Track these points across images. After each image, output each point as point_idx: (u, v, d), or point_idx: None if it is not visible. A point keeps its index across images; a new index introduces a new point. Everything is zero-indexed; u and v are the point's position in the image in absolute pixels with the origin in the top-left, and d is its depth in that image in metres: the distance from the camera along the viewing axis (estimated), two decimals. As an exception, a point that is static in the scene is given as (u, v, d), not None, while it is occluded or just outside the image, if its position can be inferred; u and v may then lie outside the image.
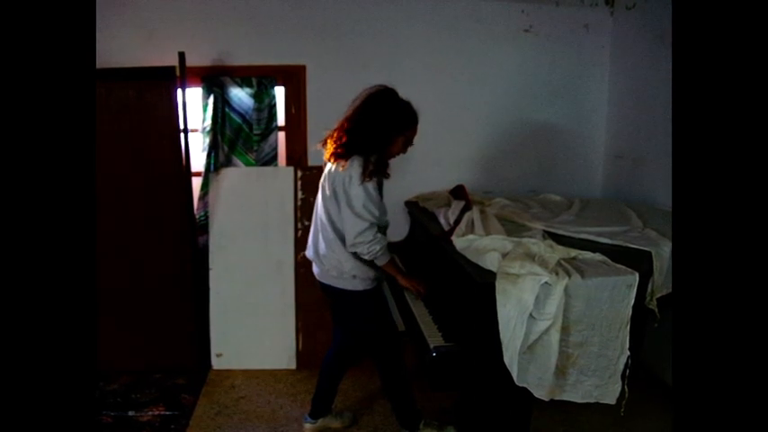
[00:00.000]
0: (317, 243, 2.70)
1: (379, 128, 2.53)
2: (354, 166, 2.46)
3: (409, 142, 2.65)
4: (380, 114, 2.53)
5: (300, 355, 3.82)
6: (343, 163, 2.49)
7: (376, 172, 2.50)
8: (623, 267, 2.19)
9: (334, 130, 2.58)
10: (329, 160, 2.60)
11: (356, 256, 2.56)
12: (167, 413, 3.31)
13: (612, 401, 2.19)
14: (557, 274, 2.12)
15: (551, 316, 2.08)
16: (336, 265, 2.63)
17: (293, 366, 3.82)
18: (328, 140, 2.59)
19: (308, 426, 3.10)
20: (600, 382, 2.19)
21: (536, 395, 2.16)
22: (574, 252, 2.32)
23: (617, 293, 2.13)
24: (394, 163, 2.80)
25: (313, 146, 2.75)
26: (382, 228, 2.58)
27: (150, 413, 3.30)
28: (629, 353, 2.15)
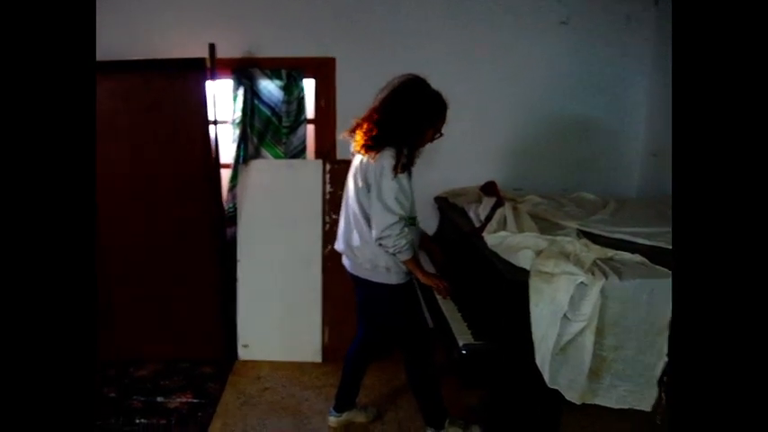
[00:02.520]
0: (350, 236, 2.63)
1: (411, 119, 2.44)
2: (387, 158, 2.38)
3: (438, 132, 2.56)
4: (411, 105, 2.43)
5: (326, 349, 3.78)
6: (373, 155, 2.41)
7: (408, 164, 2.43)
8: (663, 269, 2.09)
9: (363, 119, 2.50)
10: (359, 152, 2.52)
11: (381, 246, 2.50)
12: (194, 401, 3.35)
13: (648, 408, 2.12)
14: (593, 274, 2.04)
15: (586, 317, 2.01)
16: (371, 258, 2.56)
17: (318, 359, 3.78)
18: (358, 131, 2.51)
19: (332, 419, 3.07)
20: (635, 388, 2.11)
21: (567, 398, 2.10)
22: (611, 252, 2.23)
23: (656, 296, 2.04)
24: (423, 158, 2.72)
25: (341, 139, 2.67)
26: (413, 219, 2.51)
27: (178, 400, 3.35)
28: (667, 358, 2.05)
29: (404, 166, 2.39)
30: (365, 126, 2.46)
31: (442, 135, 2.58)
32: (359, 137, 2.48)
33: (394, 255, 2.50)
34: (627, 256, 2.20)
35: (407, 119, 2.42)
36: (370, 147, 2.43)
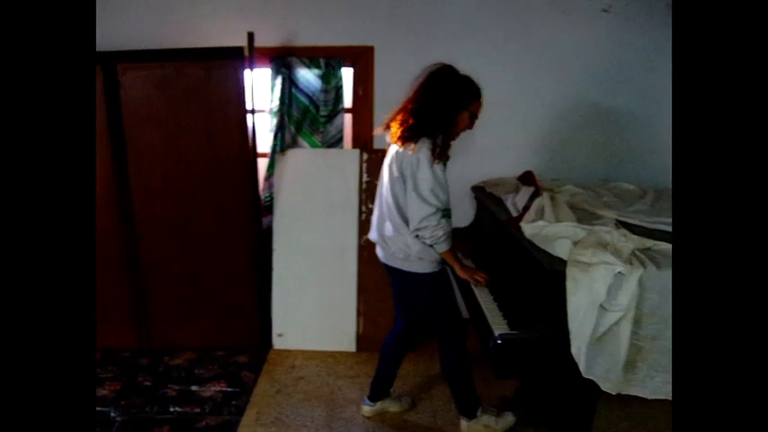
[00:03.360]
0: (383, 226, 2.73)
1: (444, 106, 2.53)
2: (423, 150, 2.47)
3: (475, 117, 2.63)
4: (443, 92, 2.53)
5: (360, 338, 3.87)
6: (412, 146, 2.50)
7: (443, 152, 2.51)
8: None
9: (398, 111, 2.60)
10: (396, 143, 2.61)
11: (418, 238, 2.59)
12: (229, 389, 3.43)
13: None
14: (631, 263, 2.08)
15: (623, 307, 2.06)
16: (403, 248, 2.65)
17: (353, 349, 3.87)
18: (393, 123, 2.61)
19: (366, 408, 3.16)
20: (671, 379, 2.13)
21: (603, 388, 2.14)
22: (649, 242, 2.27)
23: None
24: (459, 147, 2.80)
25: (378, 134, 2.77)
26: (447, 211, 2.59)
27: (213, 388, 3.44)
28: None
29: (440, 154, 2.48)
30: (400, 117, 2.57)
31: (477, 119, 2.65)
32: (394, 128, 2.58)
33: (431, 246, 2.58)
34: (665, 246, 2.24)
35: (440, 105, 2.51)
36: (407, 138, 2.53)
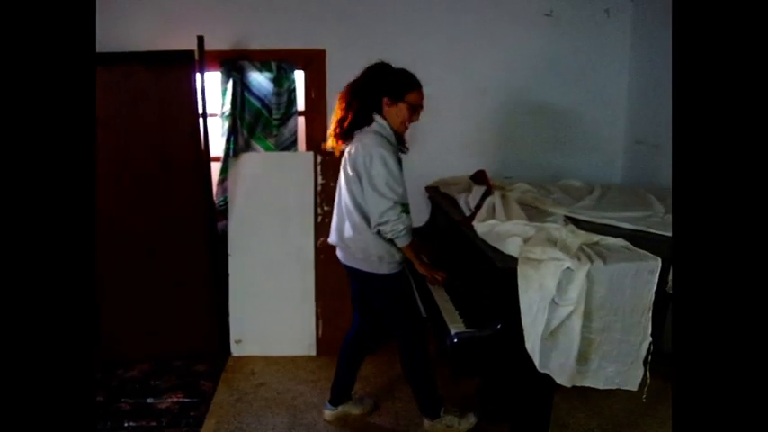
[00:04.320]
0: (342, 227, 2.79)
1: (373, 96, 2.67)
2: (373, 146, 2.57)
3: (416, 109, 2.71)
4: (373, 83, 2.68)
5: (320, 342, 3.91)
6: (353, 141, 2.64)
7: (393, 144, 2.64)
8: (646, 253, 2.23)
9: (335, 115, 2.75)
10: (334, 144, 2.77)
11: (379, 234, 2.65)
12: (186, 400, 3.40)
13: (634, 387, 2.25)
14: (579, 259, 2.17)
15: (573, 301, 2.13)
16: (363, 248, 2.72)
17: (313, 353, 3.91)
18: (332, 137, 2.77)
19: (327, 413, 3.19)
20: (622, 368, 2.24)
21: (558, 381, 2.21)
22: (596, 237, 2.36)
23: (639, 279, 2.17)
24: (413, 148, 2.89)
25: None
26: (405, 206, 2.66)
27: (169, 400, 3.40)
28: (651, 339, 2.20)
29: (393, 146, 2.61)
30: (337, 118, 2.72)
31: (422, 109, 2.75)
32: (331, 131, 2.75)
33: (392, 240, 2.65)
34: (611, 240, 2.34)
35: (369, 95, 2.66)
36: (345, 132, 2.69)
